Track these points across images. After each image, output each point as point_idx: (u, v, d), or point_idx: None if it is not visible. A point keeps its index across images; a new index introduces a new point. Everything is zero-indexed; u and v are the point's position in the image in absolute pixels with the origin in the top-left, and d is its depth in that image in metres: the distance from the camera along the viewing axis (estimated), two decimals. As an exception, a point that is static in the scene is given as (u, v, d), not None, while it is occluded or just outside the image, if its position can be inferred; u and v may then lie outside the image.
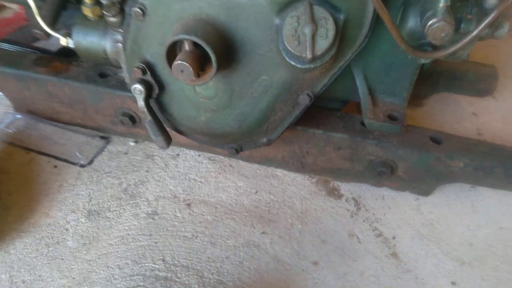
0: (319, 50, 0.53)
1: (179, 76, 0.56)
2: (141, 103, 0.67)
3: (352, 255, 0.77)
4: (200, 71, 0.58)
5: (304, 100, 0.66)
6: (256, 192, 0.86)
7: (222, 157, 0.92)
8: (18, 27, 1.19)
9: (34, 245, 0.75)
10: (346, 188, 0.88)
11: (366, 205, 0.85)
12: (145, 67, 0.65)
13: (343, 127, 0.81)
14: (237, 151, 0.77)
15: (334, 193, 0.87)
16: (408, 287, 0.73)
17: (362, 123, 0.81)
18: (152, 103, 0.71)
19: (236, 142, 0.76)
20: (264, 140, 0.74)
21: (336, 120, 0.82)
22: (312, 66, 0.55)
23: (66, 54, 1.10)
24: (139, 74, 0.66)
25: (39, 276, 0.71)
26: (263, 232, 0.79)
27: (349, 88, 0.79)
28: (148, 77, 0.66)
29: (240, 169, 0.90)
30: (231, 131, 0.72)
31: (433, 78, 1.01)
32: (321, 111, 0.83)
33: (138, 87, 0.66)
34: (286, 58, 0.56)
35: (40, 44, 1.09)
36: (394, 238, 0.80)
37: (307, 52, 0.52)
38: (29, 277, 0.70)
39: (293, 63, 0.55)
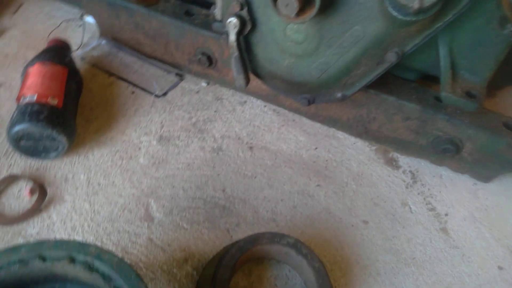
0: (427, 2, 0.53)
1: (282, 9, 0.58)
2: (232, 37, 0.70)
3: (402, 222, 0.78)
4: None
5: (391, 58, 0.67)
6: (316, 148, 0.88)
7: (286, 111, 0.94)
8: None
9: (110, 156, 0.82)
10: (404, 161, 0.88)
11: (423, 180, 0.85)
12: (243, 2, 0.68)
13: (417, 98, 0.81)
14: (309, 102, 0.79)
15: (392, 163, 0.88)
16: (453, 262, 0.74)
17: (436, 98, 0.81)
18: (241, 40, 0.74)
19: (311, 93, 0.78)
20: (339, 95, 0.76)
21: (410, 90, 0.82)
22: (413, 19, 0.56)
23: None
24: (236, 9, 0.69)
25: (113, 182, 0.77)
26: (318, 185, 0.82)
27: (429, 60, 0.78)
28: (244, 12, 0.69)
29: (302, 125, 0.93)
30: (310, 80, 0.75)
31: (511, 68, 0.97)
32: (395, 79, 0.83)
33: (233, 20, 0.69)
34: (389, 7, 0.57)
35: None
36: (446, 215, 0.80)
37: (416, 2, 0.53)
38: (104, 181, 0.77)
39: (395, 13, 0.56)
